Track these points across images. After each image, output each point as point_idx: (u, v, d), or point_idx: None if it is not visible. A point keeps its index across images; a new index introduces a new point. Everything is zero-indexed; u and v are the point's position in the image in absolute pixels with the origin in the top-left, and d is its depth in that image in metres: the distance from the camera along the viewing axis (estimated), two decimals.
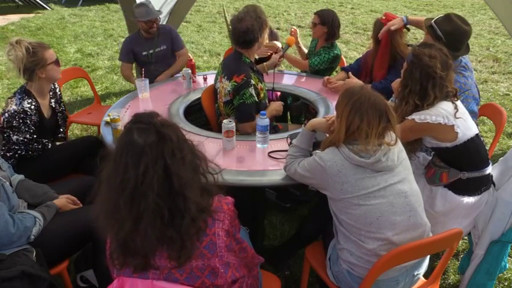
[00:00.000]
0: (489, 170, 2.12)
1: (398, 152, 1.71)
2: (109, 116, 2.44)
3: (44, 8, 9.84)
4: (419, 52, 2.03)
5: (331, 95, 2.98)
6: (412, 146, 2.16)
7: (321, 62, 3.36)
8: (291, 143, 2.11)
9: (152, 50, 3.65)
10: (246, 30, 2.46)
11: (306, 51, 3.70)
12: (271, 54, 3.38)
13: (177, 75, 3.57)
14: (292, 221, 2.89)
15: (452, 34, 2.39)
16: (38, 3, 9.84)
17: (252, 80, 2.51)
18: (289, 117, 3.75)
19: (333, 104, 2.75)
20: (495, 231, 2.05)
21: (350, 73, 3.07)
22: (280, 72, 3.59)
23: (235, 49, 2.63)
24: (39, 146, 2.49)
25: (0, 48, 6.77)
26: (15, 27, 8.17)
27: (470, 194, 2.10)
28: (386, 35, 2.89)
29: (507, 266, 2.24)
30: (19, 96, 2.42)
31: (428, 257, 1.83)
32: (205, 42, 7.32)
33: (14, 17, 9.02)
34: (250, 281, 1.47)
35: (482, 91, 5.04)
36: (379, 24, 2.98)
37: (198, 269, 1.29)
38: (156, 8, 3.78)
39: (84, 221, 1.94)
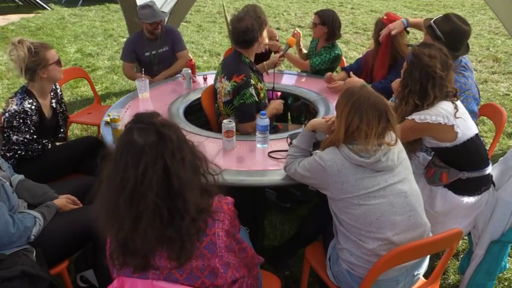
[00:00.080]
0: (489, 170, 2.12)
1: (398, 152, 1.71)
2: (109, 116, 2.44)
3: (44, 8, 9.84)
4: (419, 52, 2.03)
5: (331, 95, 2.98)
6: (412, 146, 2.16)
7: (322, 62, 3.36)
8: (291, 143, 2.11)
9: (155, 51, 3.65)
10: (245, 30, 2.46)
11: (305, 52, 3.70)
12: (268, 50, 3.37)
13: (177, 75, 3.56)
14: (292, 221, 2.89)
15: (451, 34, 2.39)
16: (38, 3, 9.84)
17: (251, 80, 2.51)
18: (289, 118, 3.75)
19: (333, 104, 2.75)
20: (495, 231, 2.05)
21: (351, 72, 3.07)
22: (280, 72, 3.59)
23: (234, 49, 2.63)
24: (39, 147, 2.49)
25: (0, 48, 6.77)
26: (15, 27, 8.17)
27: (470, 194, 2.10)
28: (387, 34, 2.89)
29: (507, 266, 2.24)
30: (20, 96, 2.42)
31: (428, 257, 1.83)
32: (205, 42, 7.32)
33: (14, 17, 9.02)
34: (250, 281, 1.47)
35: (482, 91, 5.04)
36: (380, 24, 2.97)
37: (198, 269, 1.29)
38: None
39: (84, 221, 1.94)
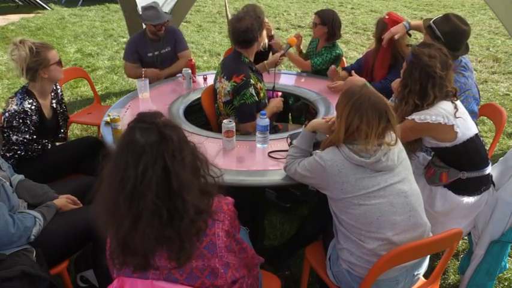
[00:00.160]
0: (489, 170, 2.12)
1: (398, 152, 1.71)
2: (109, 116, 2.44)
3: (44, 8, 9.84)
4: (418, 52, 2.03)
5: (332, 95, 2.98)
6: (412, 146, 2.16)
7: (323, 62, 3.36)
8: (291, 143, 2.11)
9: (158, 52, 3.64)
10: (245, 30, 2.46)
11: (304, 52, 3.70)
12: (266, 50, 3.37)
13: (177, 75, 3.56)
14: (292, 221, 2.89)
15: (451, 34, 2.39)
16: (38, 3, 9.84)
17: (251, 80, 2.51)
18: (290, 118, 3.75)
19: (333, 104, 2.75)
20: (495, 231, 2.05)
21: (353, 71, 3.07)
22: (279, 72, 3.59)
23: (234, 49, 2.63)
24: (39, 147, 2.49)
25: (0, 48, 6.77)
26: (15, 27, 8.17)
27: (470, 194, 2.10)
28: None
29: (507, 266, 2.24)
30: (20, 96, 2.42)
31: (428, 257, 1.83)
32: (205, 42, 7.32)
33: (14, 17, 9.02)
34: (250, 281, 1.47)
35: (482, 91, 5.04)
36: (381, 24, 2.97)
37: (198, 270, 1.29)
38: None
39: (84, 221, 1.94)
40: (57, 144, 2.77)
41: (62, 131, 2.75)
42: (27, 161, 2.44)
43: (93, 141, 2.83)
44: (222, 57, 5.45)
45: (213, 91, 2.80)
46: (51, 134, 2.66)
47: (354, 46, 7.12)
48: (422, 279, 1.89)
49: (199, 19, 9.11)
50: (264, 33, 2.63)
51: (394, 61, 2.96)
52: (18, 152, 2.39)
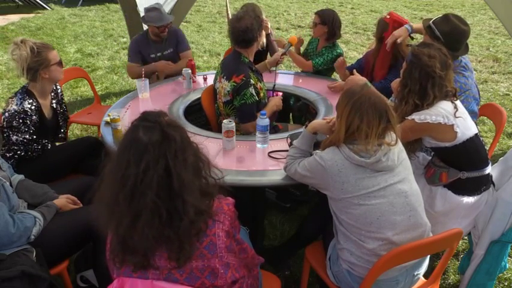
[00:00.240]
0: (489, 169, 2.12)
1: (398, 152, 1.71)
2: (109, 116, 2.44)
3: (44, 8, 9.84)
4: (418, 52, 2.03)
5: (332, 95, 2.98)
6: (412, 146, 2.16)
7: (325, 62, 3.36)
8: (291, 143, 2.11)
9: (160, 53, 3.63)
10: (245, 29, 2.46)
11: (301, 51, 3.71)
12: (264, 49, 3.37)
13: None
14: (292, 221, 2.89)
15: (450, 34, 2.39)
16: (38, 3, 9.84)
17: (251, 80, 2.51)
18: (291, 118, 3.75)
19: (333, 104, 2.75)
20: (495, 231, 2.05)
21: (354, 70, 3.07)
22: (280, 71, 3.59)
23: (234, 49, 2.63)
24: (39, 147, 2.48)
25: (0, 48, 6.77)
26: (15, 27, 8.17)
27: (470, 194, 2.10)
28: (390, 34, 2.89)
29: (507, 266, 2.24)
30: (20, 97, 2.42)
31: (429, 257, 1.83)
32: (205, 42, 7.33)
33: (14, 17, 9.02)
34: (250, 281, 1.47)
35: (482, 91, 5.04)
36: (382, 23, 2.98)
37: (198, 270, 1.29)
38: None
39: (84, 221, 1.94)
40: (57, 144, 2.77)
41: (62, 131, 2.75)
42: (27, 161, 2.44)
43: (93, 141, 2.83)
44: (222, 57, 5.45)
45: (213, 91, 2.80)
46: (51, 134, 2.66)
47: (354, 46, 7.12)
48: (422, 279, 1.89)
49: (199, 19, 9.11)
50: (263, 32, 2.63)
51: (395, 61, 2.96)
52: (18, 152, 2.39)
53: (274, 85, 3.10)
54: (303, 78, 3.47)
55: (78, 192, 2.19)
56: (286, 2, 11.13)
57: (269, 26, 3.56)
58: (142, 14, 3.74)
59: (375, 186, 1.65)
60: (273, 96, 3.17)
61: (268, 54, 3.66)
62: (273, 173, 2.08)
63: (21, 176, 2.16)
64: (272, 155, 2.21)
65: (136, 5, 4.70)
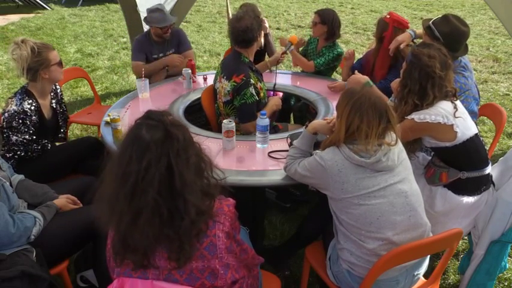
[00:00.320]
0: (489, 169, 2.12)
1: (398, 152, 1.71)
2: (109, 116, 2.45)
3: (44, 8, 9.84)
4: (418, 52, 2.03)
5: (332, 95, 2.98)
6: (412, 146, 2.16)
7: (326, 61, 3.36)
8: (291, 143, 2.11)
9: (163, 54, 3.63)
10: (245, 29, 2.46)
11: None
12: (262, 49, 3.37)
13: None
14: (292, 221, 2.89)
15: (450, 35, 2.40)
16: (38, 3, 9.84)
17: (251, 80, 2.51)
18: (292, 118, 3.75)
19: (333, 104, 2.75)
20: (495, 231, 2.05)
21: (356, 71, 3.07)
22: (280, 71, 3.58)
23: (234, 49, 2.63)
24: (39, 147, 2.48)
25: (0, 48, 6.77)
26: (15, 27, 8.17)
27: (470, 194, 2.10)
28: (390, 34, 2.89)
29: (507, 266, 2.24)
30: (19, 97, 2.42)
31: (429, 257, 1.83)
32: (205, 42, 7.33)
33: (14, 17, 9.02)
34: (250, 281, 1.47)
35: (482, 91, 5.04)
36: (382, 23, 2.98)
37: (198, 270, 1.29)
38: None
39: (84, 221, 1.94)
40: (57, 144, 2.76)
41: (62, 131, 2.75)
42: (27, 161, 2.44)
43: (93, 142, 2.83)
44: (222, 57, 5.45)
45: (213, 91, 2.80)
46: (51, 134, 2.66)
47: (354, 46, 7.11)
48: (422, 279, 1.89)
49: (199, 19, 9.11)
50: (262, 32, 2.63)
51: (394, 61, 2.96)
52: (18, 152, 2.39)
53: (275, 85, 3.10)
54: (303, 78, 3.46)
55: (78, 192, 2.19)
56: (286, 2, 11.12)
57: (267, 26, 3.55)
58: (142, 13, 3.73)
59: (375, 186, 1.65)
60: (273, 96, 3.18)
61: (266, 54, 3.65)
62: (273, 173, 2.08)
63: (21, 176, 2.16)
64: (272, 155, 2.21)
65: (136, 5, 4.69)
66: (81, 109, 4.17)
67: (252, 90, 2.50)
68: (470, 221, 2.15)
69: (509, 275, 2.45)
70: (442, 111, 2.00)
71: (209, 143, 2.35)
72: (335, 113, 1.83)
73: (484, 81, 5.49)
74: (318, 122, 2.04)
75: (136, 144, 1.21)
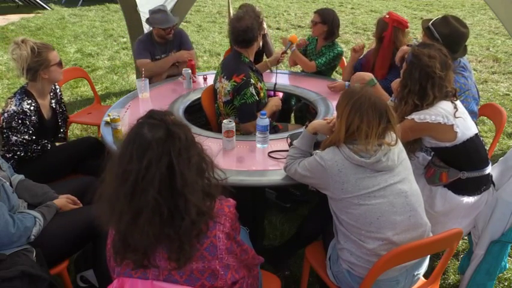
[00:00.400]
0: (489, 169, 2.12)
1: (398, 152, 1.71)
2: (109, 116, 2.44)
3: (44, 8, 9.84)
4: (418, 52, 2.03)
5: (331, 95, 2.98)
6: (412, 146, 2.16)
7: (327, 61, 3.36)
8: (291, 143, 2.11)
9: (165, 54, 3.62)
10: (245, 29, 2.46)
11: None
12: (260, 49, 3.36)
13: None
14: (292, 221, 2.89)
15: (449, 36, 2.40)
16: (38, 3, 9.84)
17: (251, 80, 2.51)
18: (293, 118, 3.75)
19: (333, 104, 2.75)
20: (495, 231, 2.05)
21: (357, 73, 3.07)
22: (279, 72, 3.58)
23: (234, 49, 2.63)
24: (39, 147, 2.48)
25: (0, 48, 6.77)
26: (15, 27, 8.17)
27: (470, 194, 2.10)
28: (390, 33, 2.89)
29: (507, 266, 2.24)
30: (19, 97, 2.42)
31: (429, 257, 1.83)
32: (205, 42, 7.33)
33: (14, 17, 9.02)
34: (250, 281, 1.47)
35: (482, 91, 5.04)
36: (382, 23, 2.98)
37: (198, 271, 1.29)
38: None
39: (84, 221, 1.94)
40: (57, 144, 2.76)
41: (62, 131, 2.75)
42: (27, 161, 2.44)
43: (93, 142, 2.83)
44: (222, 57, 5.45)
45: (213, 91, 2.80)
46: (51, 134, 2.66)
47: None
48: (422, 279, 1.89)
49: (199, 19, 9.11)
50: (262, 33, 2.63)
51: (394, 61, 2.96)
52: (18, 152, 2.39)
53: (275, 85, 3.10)
54: (303, 78, 3.46)
55: (78, 192, 2.19)
56: (286, 2, 11.12)
57: (265, 27, 3.54)
58: (142, 13, 3.72)
59: (375, 186, 1.65)
60: (273, 96, 3.18)
61: (264, 54, 3.64)
62: (273, 173, 2.08)
63: (21, 176, 2.16)
64: (272, 155, 2.21)
65: (136, 5, 4.68)
66: (81, 109, 4.17)
67: (252, 90, 2.50)
68: (470, 221, 2.15)
69: (509, 275, 2.45)
70: (442, 111, 2.00)
71: (209, 143, 2.35)
72: (335, 113, 1.83)
73: (484, 81, 5.49)
74: (318, 122, 2.04)
75: (137, 142, 1.21)
